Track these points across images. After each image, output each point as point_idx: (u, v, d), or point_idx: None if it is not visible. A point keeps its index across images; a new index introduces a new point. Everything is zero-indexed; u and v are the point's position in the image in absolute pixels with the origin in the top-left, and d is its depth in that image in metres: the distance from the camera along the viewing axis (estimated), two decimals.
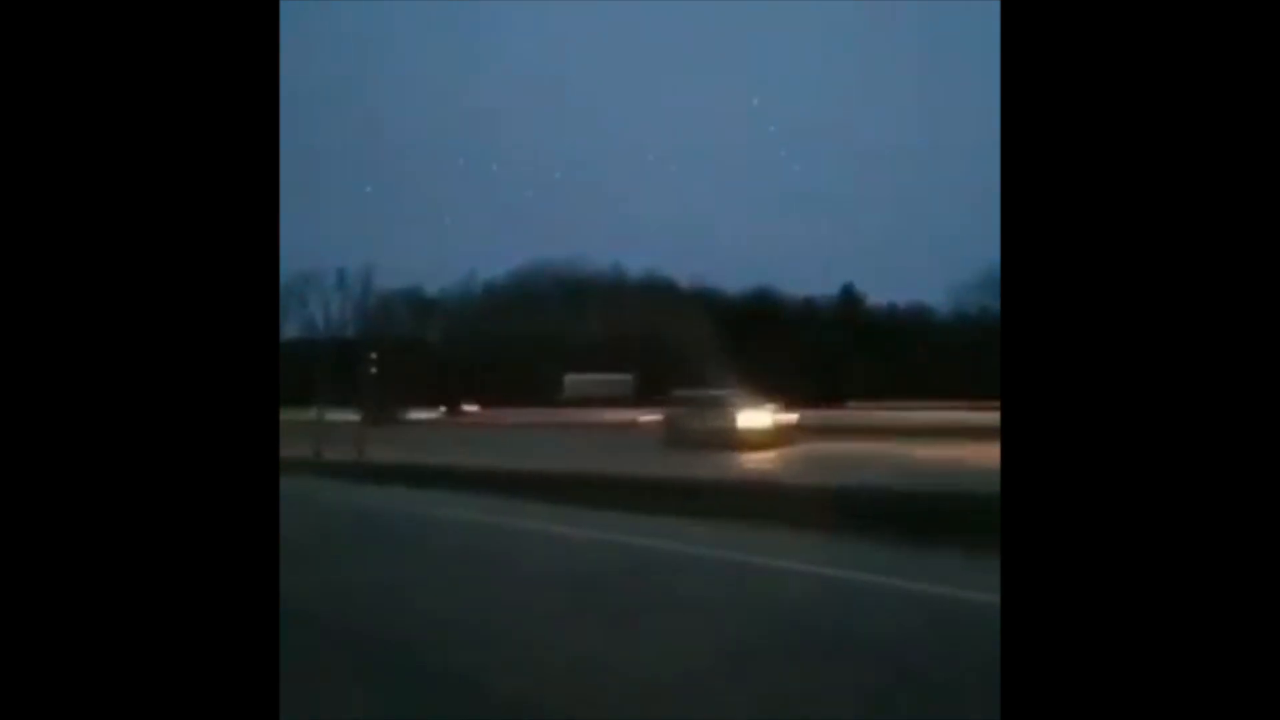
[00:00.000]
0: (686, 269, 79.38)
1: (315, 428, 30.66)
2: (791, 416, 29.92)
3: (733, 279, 78.50)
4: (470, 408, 62.57)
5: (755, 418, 27.65)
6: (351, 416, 32.55)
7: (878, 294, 75.55)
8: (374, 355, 35.64)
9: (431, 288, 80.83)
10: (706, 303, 75.33)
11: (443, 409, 62.00)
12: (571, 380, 66.19)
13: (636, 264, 79.82)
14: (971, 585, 6.04)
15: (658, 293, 76.42)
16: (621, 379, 64.46)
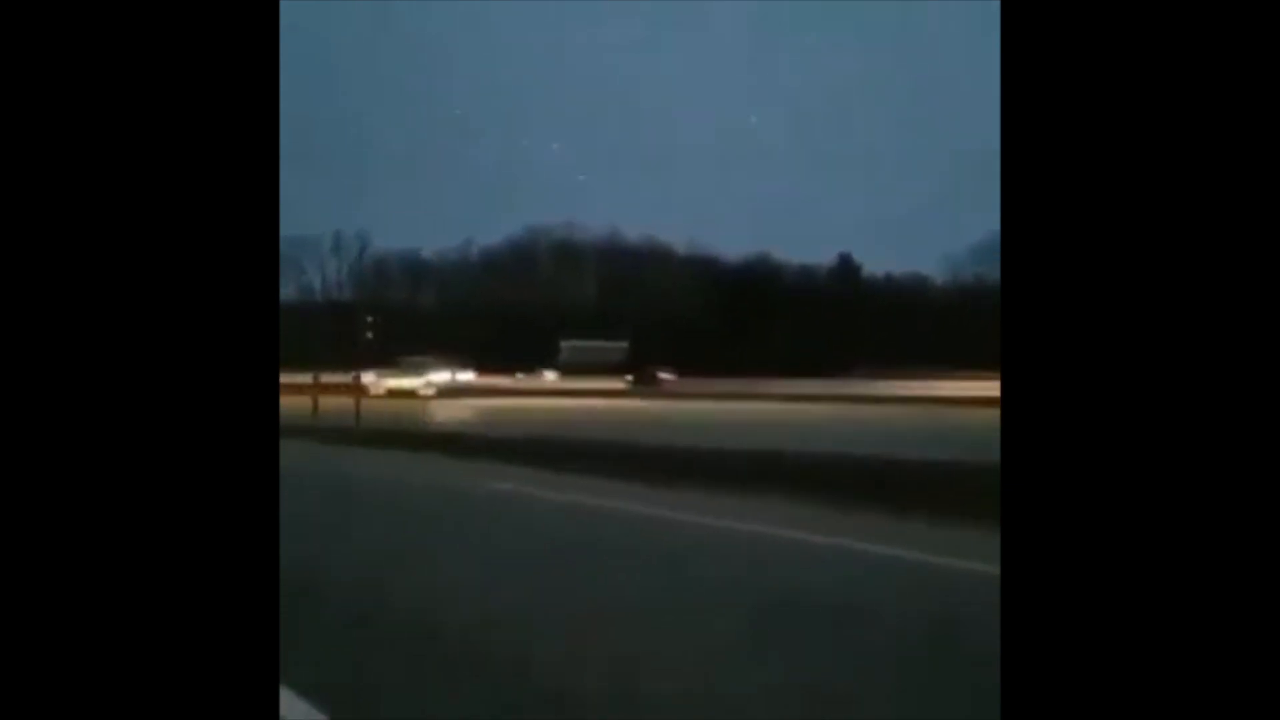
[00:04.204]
0: (684, 235, 79.07)
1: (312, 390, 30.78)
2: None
3: (730, 246, 78.35)
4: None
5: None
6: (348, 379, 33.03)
7: (874, 263, 75.54)
8: (370, 319, 35.78)
9: (428, 252, 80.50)
10: (703, 269, 75.18)
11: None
12: (568, 346, 66.01)
13: (634, 229, 79.42)
14: None
15: (655, 259, 76.16)
16: (618, 345, 64.32)
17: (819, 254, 76.08)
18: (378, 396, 32.64)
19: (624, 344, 63.93)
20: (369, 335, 33.21)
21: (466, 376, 36.54)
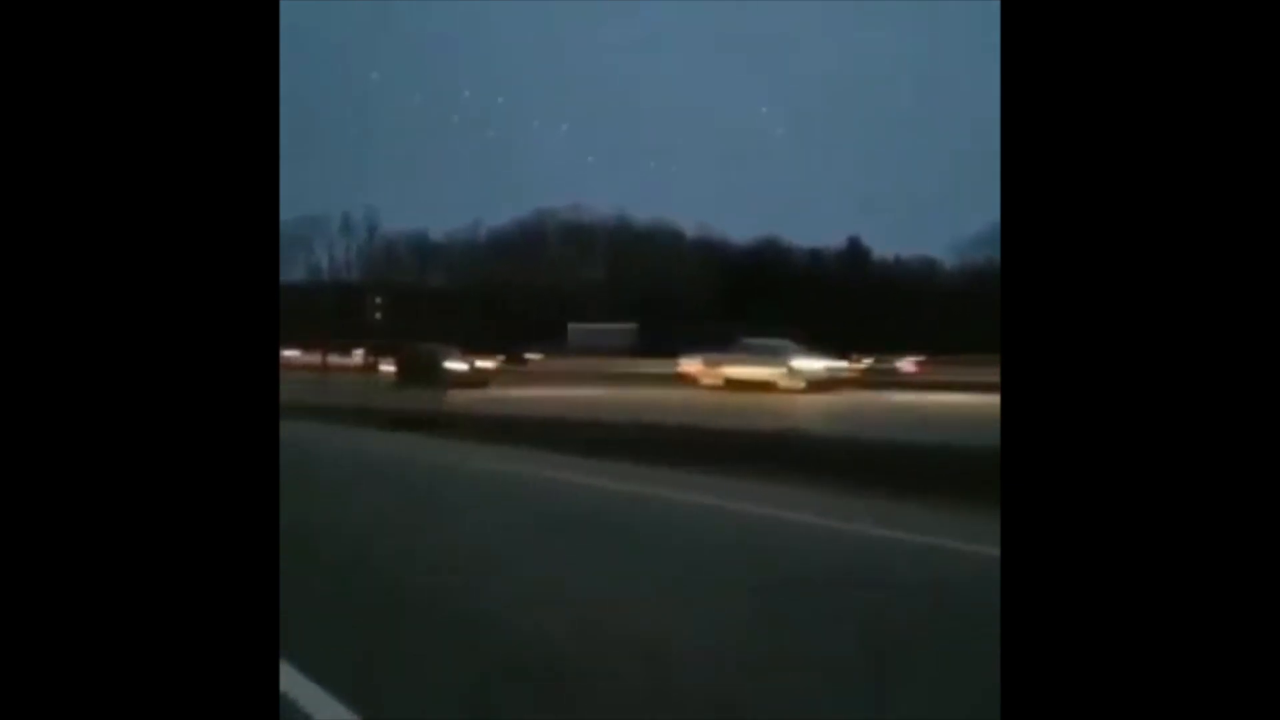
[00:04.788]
0: (692, 218, 78.91)
1: (320, 371, 30.77)
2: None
3: (739, 229, 78.27)
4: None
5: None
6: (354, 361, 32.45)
7: (882, 247, 75.40)
8: (378, 300, 35.21)
9: (436, 233, 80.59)
10: (712, 252, 75.10)
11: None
12: (575, 329, 65.95)
13: (642, 212, 79.29)
14: None
15: (663, 241, 76.06)
16: (626, 328, 64.24)
17: (828, 237, 75.98)
18: (712, 388, 25.65)
19: (632, 326, 63.83)
20: (377, 316, 32.74)
21: (839, 364, 26.98)
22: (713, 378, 26.53)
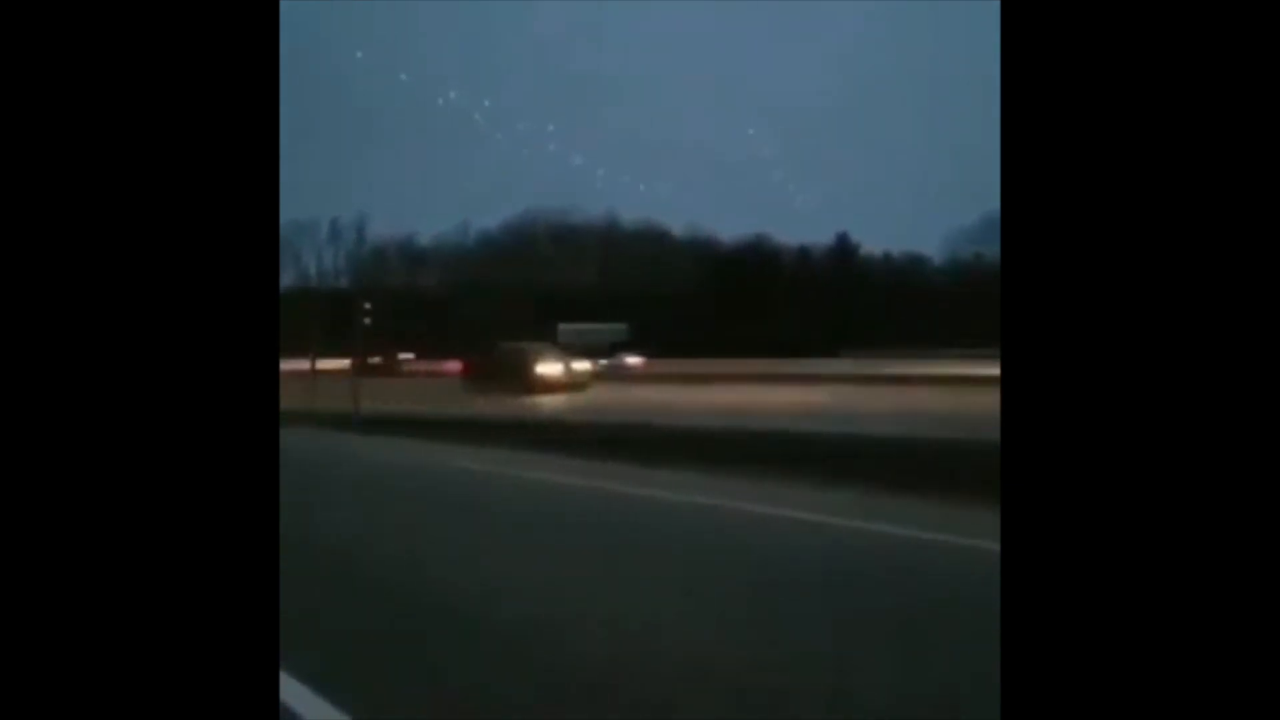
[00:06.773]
0: (681, 217, 78.91)
1: (309, 378, 30.43)
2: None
3: (728, 227, 78.31)
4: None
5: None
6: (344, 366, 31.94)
7: (871, 243, 75.48)
8: (367, 305, 34.89)
9: (425, 237, 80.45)
10: (701, 250, 75.11)
11: None
12: (565, 329, 65.71)
13: (632, 213, 79.29)
14: None
15: (652, 241, 76.03)
16: (616, 328, 64.08)
17: (818, 234, 76.04)
18: None
19: (622, 326, 63.67)
20: (366, 321, 32.40)
21: None
22: None
